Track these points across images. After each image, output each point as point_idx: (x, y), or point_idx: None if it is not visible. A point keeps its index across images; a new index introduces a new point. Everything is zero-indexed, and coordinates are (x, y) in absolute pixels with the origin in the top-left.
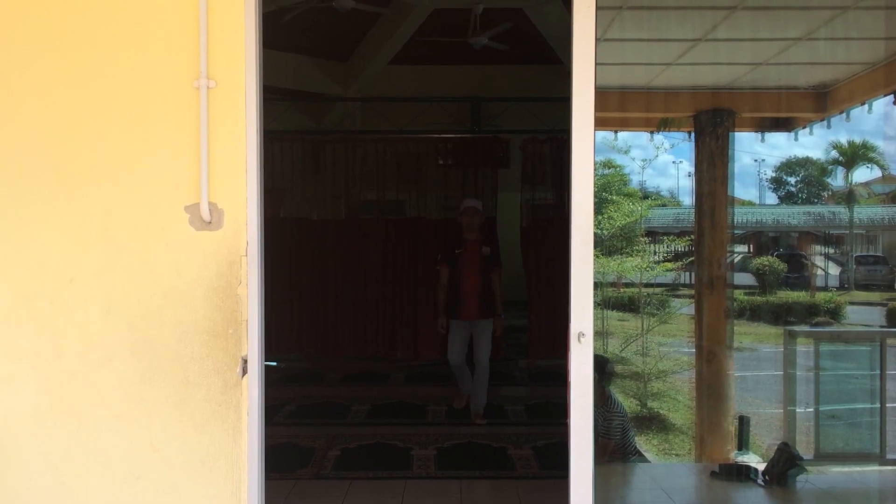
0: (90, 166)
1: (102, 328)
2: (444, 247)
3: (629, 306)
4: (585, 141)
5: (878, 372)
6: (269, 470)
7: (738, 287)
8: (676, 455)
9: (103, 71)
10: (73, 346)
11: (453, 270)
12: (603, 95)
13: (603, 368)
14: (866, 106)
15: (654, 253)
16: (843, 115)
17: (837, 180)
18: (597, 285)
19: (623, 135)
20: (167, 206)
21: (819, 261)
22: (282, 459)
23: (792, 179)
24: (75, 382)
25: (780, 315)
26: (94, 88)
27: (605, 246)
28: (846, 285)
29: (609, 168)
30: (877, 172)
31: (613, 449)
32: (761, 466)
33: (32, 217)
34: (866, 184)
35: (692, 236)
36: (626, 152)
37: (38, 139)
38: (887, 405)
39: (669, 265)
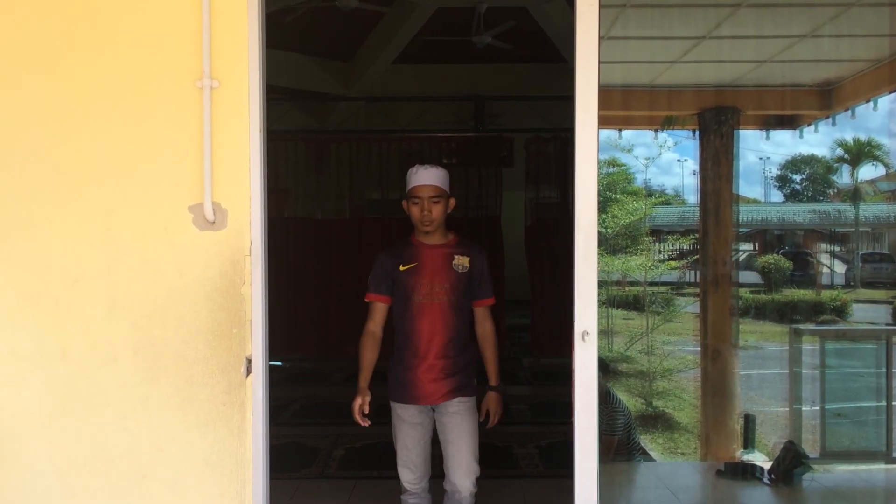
0: (94, 167)
1: (106, 328)
2: (378, 260)
3: (634, 305)
4: (589, 139)
5: (884, 370)
6: (274, 470)
7: (743, 285)
8: (682, 454)
9: (107, 71)
10: (78, 346)
11: (397, 306)
12: (606, 94)
13: (605, 369)
14: (871, 103)
15: (659, 251)
16: (849, 112)
17: (843, 178)
18: (601, 284)
19: (627, 133)
20: (171, 206)
21: (825, 259)
22: (286, 459)
23: (797, 177)
24: (80, 382)
25: (785, 313)
26: (98, 89)
27: (609, 245)
28: (852, 283)
29: (613, 167)
30: (882, 170)
31: (618, 446)
32: (767, 465)
33: (36, 218)
34: (872, 181)
35: (697, 234)
36: (630, 151)
37: (42, 140)
38: (894, 403)
39: (674, 263)
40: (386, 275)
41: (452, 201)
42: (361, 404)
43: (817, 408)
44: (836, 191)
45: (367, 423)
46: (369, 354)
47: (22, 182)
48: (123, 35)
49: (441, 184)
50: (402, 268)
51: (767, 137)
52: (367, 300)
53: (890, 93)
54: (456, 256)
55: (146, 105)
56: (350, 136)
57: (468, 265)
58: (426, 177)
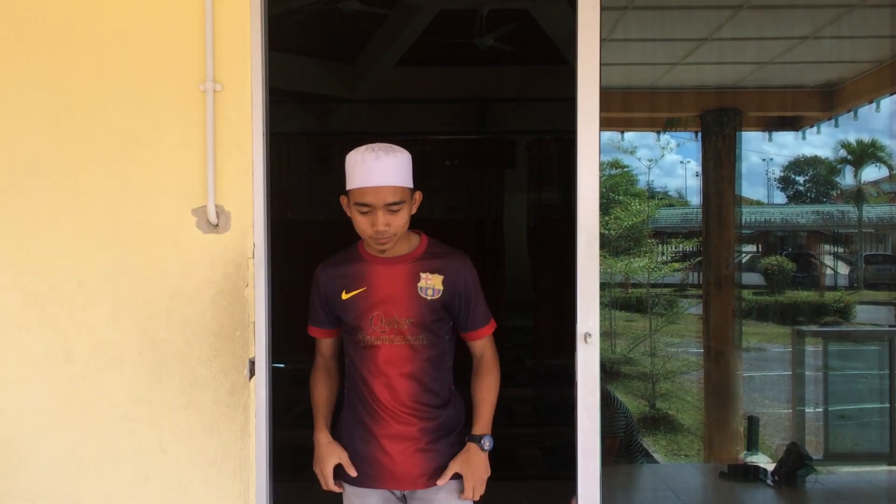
0: (98, 169)
1: (111, 330)
2: (315, 278)
3: (637, 307)
4: (590, 141)
5: (887, 371)
6: (278, 472)
7: (746, 287)
8: (685, 455)
9: (110, 75)
10: (82, 348)
11: (345, 344)
12: (608, 95)
13: (604, 370)
14: (874, 104)
15: (662, 253)
16: (851, 113)
17: (846, 179)
18: (604, 286)
19: (630, 135)
20: (174, 208)
21: (828, 260)
22: (290, 461)
23: (800, 178)
24: (84, 384)
25: (788, 315)
26: (102, 92)
27: (612, 246)
28: (855, 284)
29: (616, 168)
30: (885, 171)
31: (619, 448)
32: (770, 467)
33: (41, 220)
34: (875, 182)
35: (700, 236)
36: (633, 152)
37: (46, 143)
38: None
39: (677, 265)
40: (326, 302)
41: (419, 196)
42: (332, 465)
43: (820, 409)
44: (839, 192)
45: (340, 489)
46: (322, 390)
47: (27, 185)
48: (127, 39)
49: (402, 181)
50: (345, 295)
51: (770, 139)
52: (309, 333)
53: (892, 94)
54: (422, 275)
55: (150, 108)
56: (353, 138)
57: (441, 287)
58: (380, 174)
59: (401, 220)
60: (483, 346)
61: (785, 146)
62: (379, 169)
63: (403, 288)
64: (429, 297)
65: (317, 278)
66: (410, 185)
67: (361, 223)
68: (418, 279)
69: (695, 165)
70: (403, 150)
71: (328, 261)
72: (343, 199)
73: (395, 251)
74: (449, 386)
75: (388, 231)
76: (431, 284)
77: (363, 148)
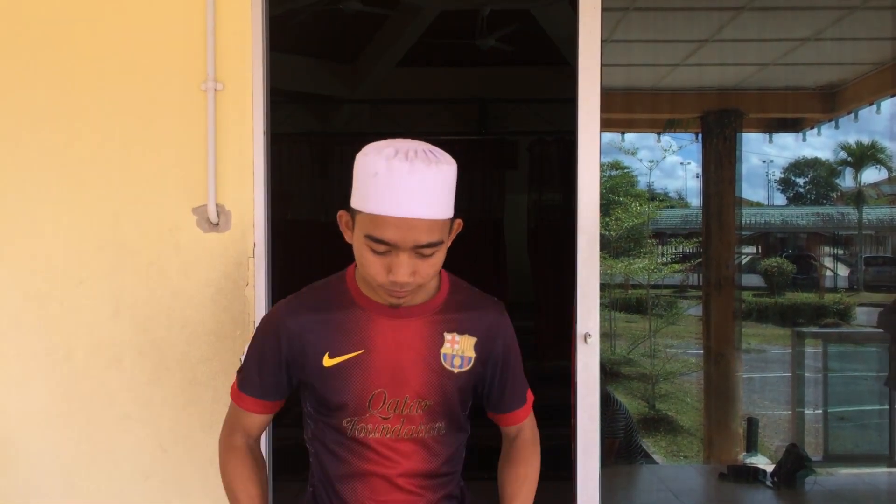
0: (99, 168)
1: (111, 329)
2: (275, 322)
3: (636, 308)
4: (591, 142)
5: (886, 373)
6: (278, 472)
7: (746, 288)
8: (685, 457)
9: (113, 74)
10: (83, 347)
11: (319, 434)
12: (609, 96)
13: (604, 371)
14: (874, 106)
15: (662, 254)
16: (852, 115)
17: (846, 181)
18: (604, 286)
19: (630, 136)
20: (175, 207)
21: (828, 262)
22: (290, 461)
23: (800, 180)
24: (84, 383)
25: (788, 316)
26: (104, 91)
27: (612, 247)
28: (855, 286)
29: (616, 170)
30: (885, 173)
31: (619, 448)
32: (770, 468)
33: (42, 219)
34: (875, 184)
35: (700, 237)
36: (634, 153)
37: (48, 142)
38: None
39: (677, 266)
40: (288, 365)
41: (458, 226)
42: None
43: (820, 411)
44: (839, 194)
45: None
46: (253, 486)
47: (28, 184)
48: (128, 39)
49: (444, 210)
50: (328, 360)
51: (770, 140)
52: (232, 399)
53: (893, 96)
54: (447, 337)
55: (151, 107)
56: (354, 138)
57: (473, 354)
58: (415, 200)
59: (432, 267)
60: (521, 425)
61: (785, 148)
62: (414, 190)
63: (421, 355)
64: (456, 370)
65: (276, 325)
66: (452, 212)
67: (371, 265)
68: (441, 342)
69: (695, 167)
70: (449, 159)
71: (298, 300)
72: (342, 216)
73: (410, 298)
74: (459, 484)
75: (410, 283)
76: (460, 351)
77: (389, 149)
